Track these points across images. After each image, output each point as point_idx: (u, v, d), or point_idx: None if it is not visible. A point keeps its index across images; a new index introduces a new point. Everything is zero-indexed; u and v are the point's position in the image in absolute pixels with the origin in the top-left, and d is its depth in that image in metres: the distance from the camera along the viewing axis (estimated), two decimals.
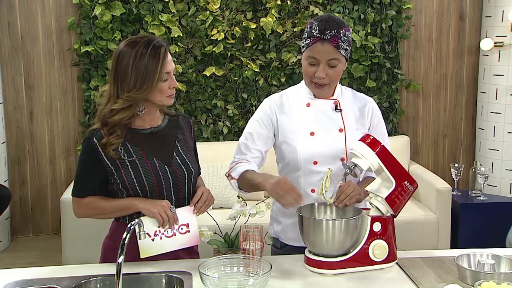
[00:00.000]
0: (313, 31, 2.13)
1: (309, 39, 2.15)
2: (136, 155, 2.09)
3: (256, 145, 2.27)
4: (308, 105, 2.26)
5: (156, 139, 2.15)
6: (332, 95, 2.27)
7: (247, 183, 2.19)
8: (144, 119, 2.15)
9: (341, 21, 2.16)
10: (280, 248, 2.36)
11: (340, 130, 2.23)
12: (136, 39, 2.08)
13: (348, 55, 2.18)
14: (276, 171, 2.37)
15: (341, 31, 2.13)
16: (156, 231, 2.07)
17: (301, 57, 2.23)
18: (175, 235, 2.09)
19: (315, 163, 2.21)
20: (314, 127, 2.23)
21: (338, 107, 2.25)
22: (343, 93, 2.31)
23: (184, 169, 2.15)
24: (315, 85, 2.21)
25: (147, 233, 2.04)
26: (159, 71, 2.04)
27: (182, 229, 2.11)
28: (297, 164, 2.23)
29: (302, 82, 2.32)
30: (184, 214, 2.11)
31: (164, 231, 2.08)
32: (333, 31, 2.11)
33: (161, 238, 2.07)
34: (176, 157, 2.15)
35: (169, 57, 2.09)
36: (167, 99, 2.11)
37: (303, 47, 2.20)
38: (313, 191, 2.23)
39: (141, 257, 2.07)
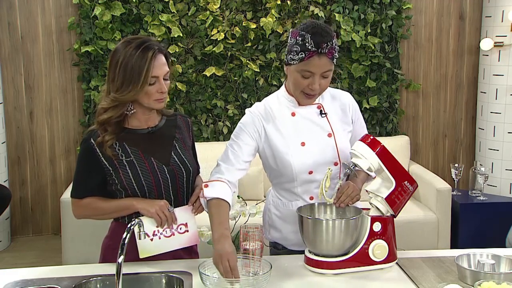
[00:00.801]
0: (307, 45, 2.04)
1: (303, 53, 2.05)
2: (134, 155, 2.09)
3: (244, 156, 2.18)
4: (293, 114, 2.21)
5: (154, 139, 2.15)
6: (314, 100, 2.22)
7: (210, 217, 2.06)
8: (141, 119, 2.14)
9: (330, 29, 2.10)
10: (282, 249, 2.34)
11: (329, 135, 2.20)
12: (131, 40, 2.06)
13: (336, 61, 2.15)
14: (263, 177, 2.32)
15: (334, 40, 2.08)
16: (155, 231, 2.07)
17: (288, 67, 2.13)
18: (174, 235, 2.09)
19: (310, 172, 2.18)
20: (303, 136, 2.19)
21: (323, 112, 2.22)
22: (323, 95, 2.25)
23: (183, 169, 2.15)
24: (306, 96, 2.15)
25: (146, 233, 2.04)
26: (145, 74, 2.01)
27: (181, 228, 2.10)
28: (292, 176, 2.19)
29: (282, 89, 2.25)
30: (183, 213, 2.11)
31: (163, 231, 2.08)
32: (328, 44, 2.05)
33: (160, 238, 2.07)
34: (175, 157, 2.15)
35: (160, 61, 2.05)
36: (155, 103, 2.08)
37: (293, 59, 2.09)
38: (311, 198, 2.22)
39: (140, 257, 2.07)
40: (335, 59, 2.10)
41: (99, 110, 2.08)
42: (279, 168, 2.21)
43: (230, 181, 2.14)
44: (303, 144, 2.18)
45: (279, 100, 2.24)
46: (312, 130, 2.20)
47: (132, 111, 2.11)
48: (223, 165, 2.18)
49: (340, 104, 2.27)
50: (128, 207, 2.08)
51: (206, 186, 2.11)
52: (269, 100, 2.26)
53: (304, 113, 2.21)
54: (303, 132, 2.20)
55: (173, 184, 2.13)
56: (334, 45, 2.08)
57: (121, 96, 2.03)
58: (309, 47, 2.05)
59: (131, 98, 2.05)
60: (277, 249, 2.35)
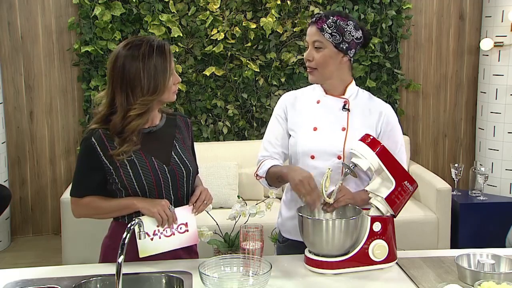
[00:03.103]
0: None
1: None
2: (135, 155, 2.09)
3: (278, 141, 2.32)
4: (318, 102, 2.29)
5: (154, 139, 2.15)
6: (344, 94, 2.28)
7: (274, 177, 2.23)
8: (147, 118, 2.14)
9: (339, 12, 2.23)
10: (282, 242, 2.39)
11: (343, 129, 2.23)
12: (136, 42, 2.05)
13: (339, 43, 2.18)
14: None
15: (332, 17, 2.18)
16: (155, 231, 2.07)
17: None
18: (174, 234, 2.09)
19: (312, 157, 2.22)
20: (318, 123, 2.25)
21: (347, 107, 2.26)
22: (359, 95, 2.31)
23: (183, 168, 2.15)
24: (307, 70, 2.27)
25: (146, 233, 2.04)
26: (169, 68, 2.05)
27: (181, 228, 2.11)
28: (296, 157, 2.27)
29: None
30: (183, 213, 2.11)
31: (163, 230, 2.08)
32: (322, 16, 2.20)
33: (160, 238, 2.07)
34: (175, 156, 2.15)
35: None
36: (173, 95, 2.13)
37: None
38: None
39: (140, 256, 2.07)
40: (326, 34, 2.18)
41: (119, 120, 2.04)
42: (289, 148, 2.31)
43: (273, 158, 2.31)
44: (315, 129, 2.25)
45: (314, 88, 2.34)
46: (329, 120, 2.26)
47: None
48: (261, 156, 2.34)
49: (374, 109, 2.28)
50: (129, 206, 2.08)
51: (256, 174, 2.30)
52: (306, 88, 2.39)
53: (329, 103, 2.28)
54: (319, 119, 2.26)
55: (173, 183, 2.13)
56: (328, 20, 2.18)
57: (153, 97, 2.04)
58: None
59: (161, 96, 2.07)
60: (279, 242, 2.41)
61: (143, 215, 2.06)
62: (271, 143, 2.33)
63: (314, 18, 2.21)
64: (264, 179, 2.28)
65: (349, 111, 2.26)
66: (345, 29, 2.18)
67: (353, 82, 2.31)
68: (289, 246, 2.33)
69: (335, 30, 2.17)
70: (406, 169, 2.23)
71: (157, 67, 2.03)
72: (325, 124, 2.25)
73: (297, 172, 2.08)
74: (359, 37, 2.21)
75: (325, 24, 2.17)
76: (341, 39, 2.18)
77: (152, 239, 2.06)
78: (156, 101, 2.07)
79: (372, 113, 2.27)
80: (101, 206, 2.11)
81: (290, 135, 2.31)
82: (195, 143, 2.35)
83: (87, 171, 2.11)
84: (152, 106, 2.09)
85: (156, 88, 2.03)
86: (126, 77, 2.03)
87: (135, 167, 2.07)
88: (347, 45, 2.20)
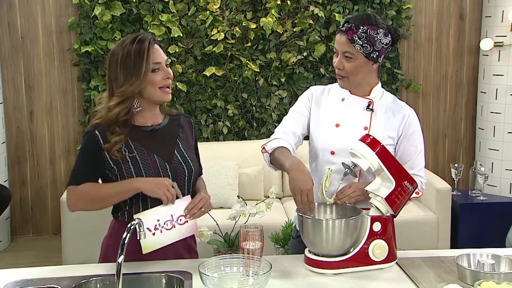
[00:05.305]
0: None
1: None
2: (137, 151, 2.09)
3: (298, 125, 2.31)
4: (343, 99, 2.30)
5: (157, 137, 2.15)
6: (369, 95, 2.29)
7: (276, 161, 2.20)
8: (146, 116, 2.15)
9: (369, 19, 2.17)
10: (296, 238, 2.40)
11: (365, 128, 2.25)
12: (125, 38, 2.11)
13: (370, 53, 2.16)
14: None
15: (362, 27, 2.14)
16: (156, 225, 2.07)
17: None
18: (174, 226, 2.10)
19: (332, 153, 2.25)
20: (340, 120, 2.27)
21: (371, 107, 2.27)
22: (384, 96, 2.31)
23: (185, 167, 2.15)
24: (337, 76, 2.27)
25: (148, 228, 2.04)
26: (145, 62, 2.05)
27: (180, 220, 2.11)
28: (317, 152, 2.28)
29: None
30: (183, 205, 2.11)
31: (164, 224, 2.08)
32: (351, 25, 2.15)
33: (161, 232, 2.07)
34: (177, 155, 2.16)
35: (157, 48, 2.10)
36: (161, 93, 2.11)
37: None
38: None
39: (144, 253, 2.07)
40: (357, 45, 2.15)
41: (105, 112, 2.08)
42: (310, 143, 2.32)
43: (286, 139, 2.26)
44: (337, 125, 2.27)
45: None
46: (351, 118, 2.27)
47: (139, 108, 2.12)
48: (278, 129, 2.33)
49: (397, 112, 2.28)
50: (131, 189, 2.06)
51: (263, 147, 2.25)
52: (333, 85, 2.39)
53: (353, 102, 2.29)
54: (342, 116, 2.28)
55: (174, 181, 2.13)
56: (358, 30, 2.14)
57: (127, 88, 2.05)
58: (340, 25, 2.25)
59: (137, 89, 2.07)
60: (293, 237, 2.44)
61: (145, 196, 2.06)
62: (295, 122, 2.32)
63: (344, 28, 2.17)
64: (268, 155, 2.23)
65: (372, 111, 2.26)
66: (376, 38, 2.17)
67: (379, 83, 2.31)
68: (301, 241, 2.31)
69: (365, 41, 2.15)
70: (423, 176, 2.25)
71: (134, 61, 2.05)
72: (348, 122, 2.26)
73: (300, 177, 2.01)
74: (388, 42, 2.21)
75: (356, 35, 2.15)
76: (371, 49, 2.17)
77: (153, 234, 2.06)
78: (134, 93, 2.07)
79: (395, 115, 2.27)
80: (100, 191, 2.10)
81: (308, 128, 2.32)
82: None
83: (88, 163, 2.11)
84: (130, 98, 2.08)
85: (130, 80, 2.05)
86: (110, 71, 2.10)
87: (136, 163, 2.08)
88: (377, 53, 2.19)
